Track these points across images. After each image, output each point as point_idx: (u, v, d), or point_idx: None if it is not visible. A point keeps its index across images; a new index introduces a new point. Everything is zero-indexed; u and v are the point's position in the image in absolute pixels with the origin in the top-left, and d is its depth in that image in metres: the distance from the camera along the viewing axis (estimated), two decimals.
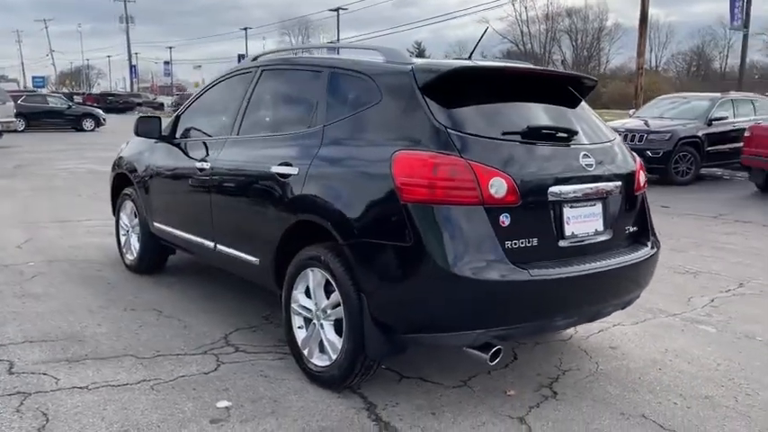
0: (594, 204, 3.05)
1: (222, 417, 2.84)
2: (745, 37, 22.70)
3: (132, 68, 70.19)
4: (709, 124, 11.86)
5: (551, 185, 2.85)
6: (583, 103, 3.39)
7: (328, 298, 3.08)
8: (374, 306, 2.81)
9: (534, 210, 2.81)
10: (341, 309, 2.96)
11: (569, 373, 3.42)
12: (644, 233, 3.33)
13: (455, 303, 2.65)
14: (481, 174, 2.67)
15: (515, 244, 2.71)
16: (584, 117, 3.29)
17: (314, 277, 3.14)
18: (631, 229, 3.27)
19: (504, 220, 2.70)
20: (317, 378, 3.14)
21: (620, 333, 4.00)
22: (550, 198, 2.84)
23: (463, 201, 2.65)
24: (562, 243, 2.89)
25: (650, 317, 4.32)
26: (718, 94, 13.14)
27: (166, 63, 75.29)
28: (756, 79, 47.40)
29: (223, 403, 2.96)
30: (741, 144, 10.92)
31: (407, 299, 2.73)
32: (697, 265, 5.86)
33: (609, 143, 3.26)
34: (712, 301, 4.79)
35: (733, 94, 13.33)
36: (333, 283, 2.99)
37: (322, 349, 3.14)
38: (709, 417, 2.97)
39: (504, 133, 2.86)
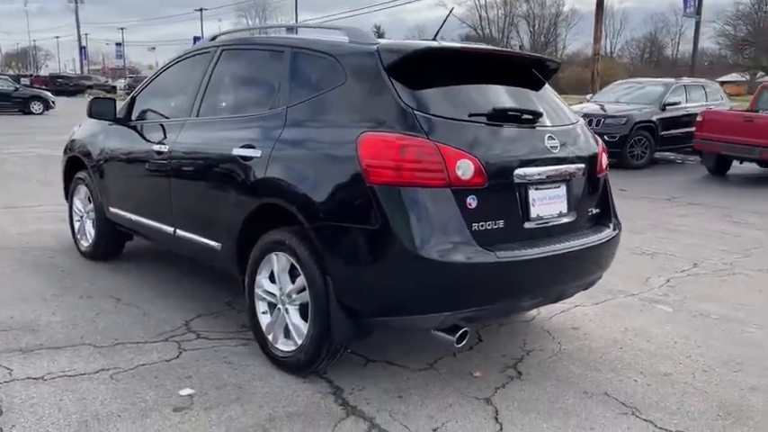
0: (559, 186, 3.07)
1: (185, 405, 2.77)
2: (698, 24, 23.27)
3: (82, 50, 67.87)
4: (663, 109, 12.14)
5: (517, 167, 2.85)
6: (546, 85, 3.40)
7: (293, 282, 3.03)
8: (340, 290, 2.77)
9: (500, 192, 2.81)
10: (306, 293, 2.92)
11: (533, 353, 3.46)
12: (606, 215, 3.38)
13: (422, 286, 2.63)
14: (448, 156, 2.65)
15: (482, 226, 2.71)
16: (547, 99, 3.30)
17: (278, 262, 3.09)
18: (594, 211, 3.31)
19: (471, 202, 2.69)
20: (283, 363, 3.10)
21: (581, 314, 4.07)
22: (516, 180, 2.85)
23: (430, 183, 2.63)
24: (528, 225, 2.90)
25: (610, 297, 4.41)
26: (672, 80, 13.46)
27: (118, 45, 72.89)
28: (706, 66, 48.80)
29: (186, 391, 2.90)
30: (693, 129, 11.22)
31: (374, 282, 2.71)
32: (654, 246, 6.01)
33: (572, 125, 3.28)
34: (668, 281, 4.92)
35: (685, 80, 13.67)
36: (298, 267, 2.94)
37: (287, 334, 3.10)
38: (668, 393, 3.05)
39: (470, 115, 2.84)
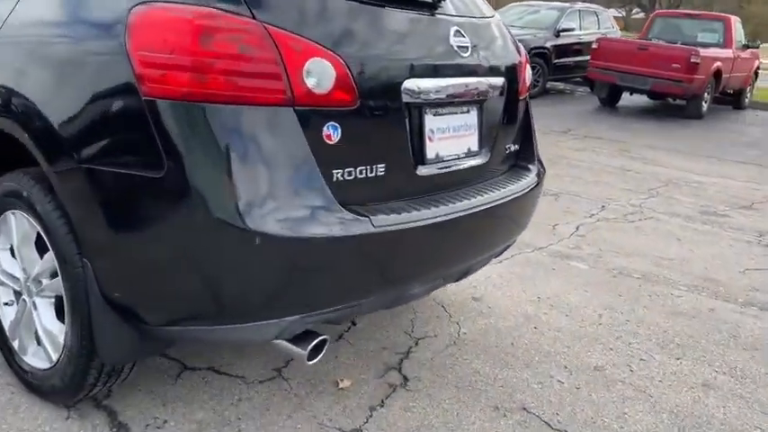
0: (468, 111, 2.04)
1: None
2: None
3: None
4: (558, 35, 11.46)
5: (407, 78, 1.78)
6: None
7: (42, 258, 1.84)
8: (106, 279, 1.63)
9: (380, 118, 1.74)
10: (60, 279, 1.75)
11: (424, 342, 2.52)
12: (528, 154, 2.42)
13: (248, 278, 1.54)
14: (291, 51, 1.53)
15: (349, 174, 1.64)
16: None
17: (18, 225, 1.87)
18: (512, 149, 2.33)
19: (332, 133, 1.60)
20: (36, 388, 1.94)
21: (483, 277, 3.17)
22: (406, 98, 1.78)
23: (258, 98, 1.50)
24: (422, 171, 1.86)
25: (516, 252, 3.55)
26: (567, 4, 12.80)
27: None
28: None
29: None
30: (584, 57, 10.68)
31: (162, 270, 1.58)
32: (555, 184, 5.26)
33: (487, 20, 2.23)
34: (578, 228, 4.16)
35: (579, 5, 13.05)
36: (44, 235, 1.75)
37: (39, 341, 1.92)
38: (604, 401, 2.22)
39: None
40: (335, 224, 1.55)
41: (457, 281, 2.26)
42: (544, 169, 2.50)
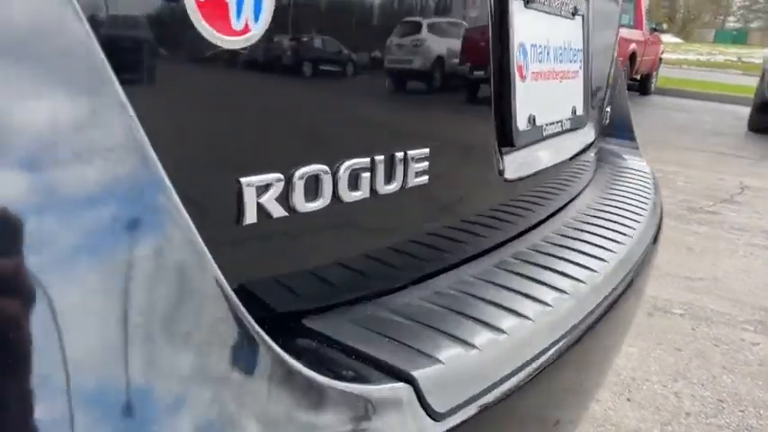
0: (574, 14, 0.81)
1: None
2: None
3: None
4: None
5: None
6: None
7: None
8: None
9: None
10: None
11: None
12: (624, 125, 1.23)
13: None
14: None
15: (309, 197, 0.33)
16: None
17: None
18: (608, 114, 1.13)
19: (234, 17, 0.31)
20: None
21: None
22: None
23: None
24: (511, 166, 0.60)
25: None
26: None
27: None
28: None
29: None
30: None
31: None
32: None
33: None
34: None
35: None
36: None
37: None
38: None
39: None
40: None
41: None
42: None
